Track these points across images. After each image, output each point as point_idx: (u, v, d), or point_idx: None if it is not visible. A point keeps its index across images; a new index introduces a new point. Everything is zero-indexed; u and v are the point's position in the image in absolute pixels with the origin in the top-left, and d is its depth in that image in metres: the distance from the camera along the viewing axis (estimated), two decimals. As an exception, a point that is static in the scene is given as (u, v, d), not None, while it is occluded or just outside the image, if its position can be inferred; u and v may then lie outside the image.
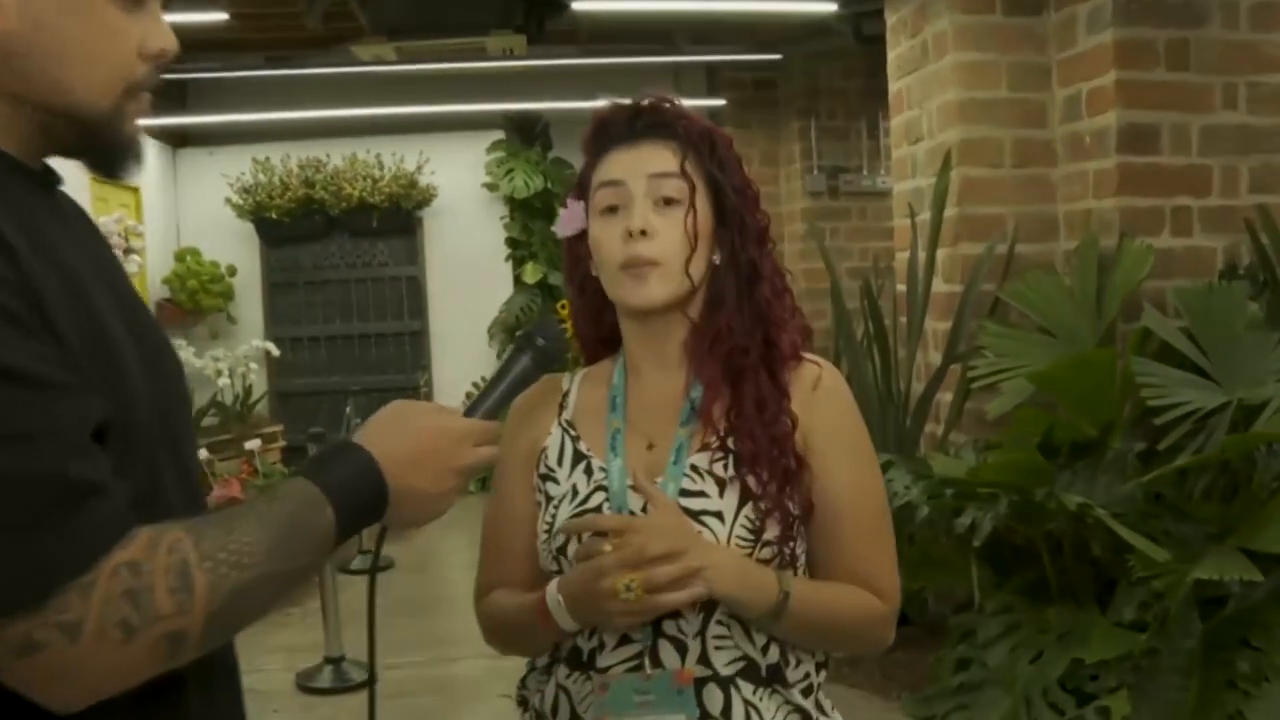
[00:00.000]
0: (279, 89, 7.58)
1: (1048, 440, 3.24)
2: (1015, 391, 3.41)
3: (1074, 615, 3.12)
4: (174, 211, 8.32)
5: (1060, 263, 3.77)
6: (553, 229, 1.48)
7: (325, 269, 8.48)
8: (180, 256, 7.99)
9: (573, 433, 1.40)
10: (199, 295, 7.82)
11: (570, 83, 7.15)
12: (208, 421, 7.78)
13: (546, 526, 1.35)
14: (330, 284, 8.51)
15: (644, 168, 1.33)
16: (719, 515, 1.28)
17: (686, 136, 1.35)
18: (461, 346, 8.36)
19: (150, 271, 7.72)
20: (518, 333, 1.28)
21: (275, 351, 7.95)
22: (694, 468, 1.31)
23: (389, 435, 1.05)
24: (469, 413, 1.16)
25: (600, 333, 1.45)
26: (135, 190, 7.54)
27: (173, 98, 8.10)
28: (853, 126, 7.27)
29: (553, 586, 1.28)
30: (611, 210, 1.34)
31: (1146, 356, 3.23)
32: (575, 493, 1.35)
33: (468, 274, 8.32)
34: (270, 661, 4.46)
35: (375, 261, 8.54)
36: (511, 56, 6.48)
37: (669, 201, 1.32)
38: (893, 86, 4.31)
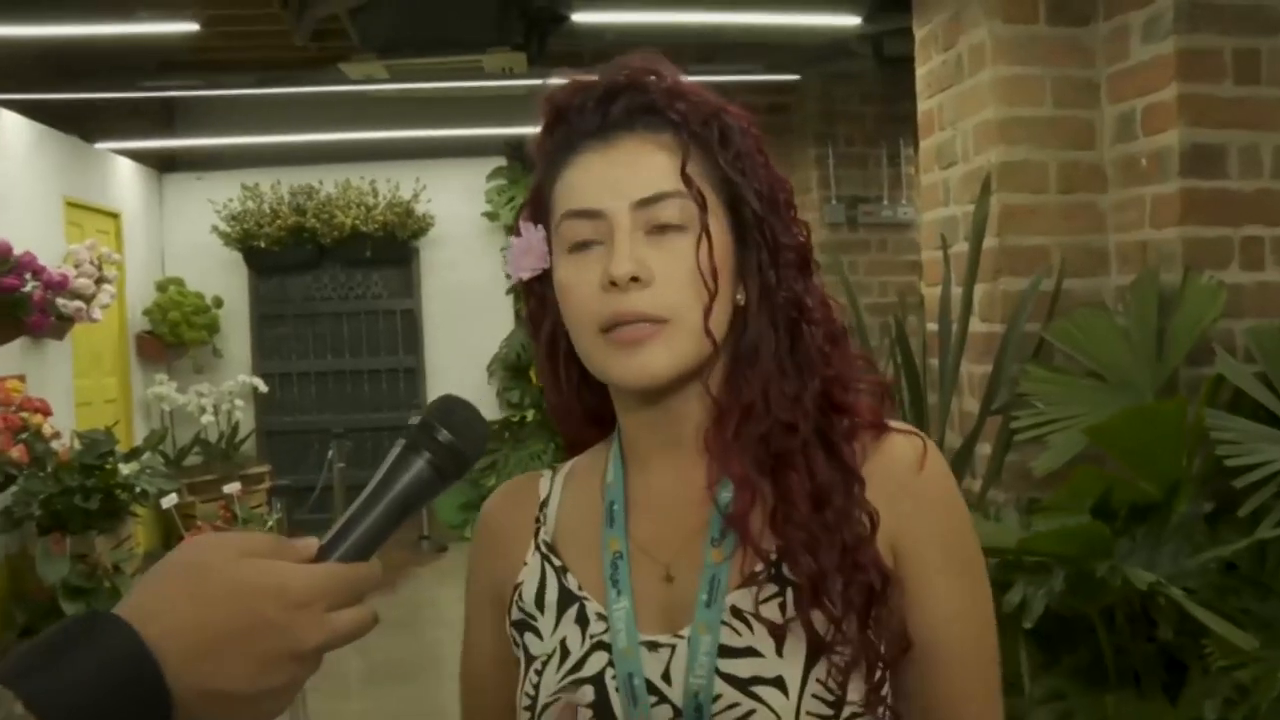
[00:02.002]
0: (269, 112, 7.27)
1: (1104, 502, 2.84)
2: (1065, 446, 3.02)
3: (1137, 705, 2.72)
4: (158, 239, 8.00)
5: (1112, 300, 3.39)
6: (504, 269, 1.06)
7: (316, 301, 8.16)
8: (162, 286, 7.66)
9: (556, 560, 0.99)
10: (181, 328, 7.49)
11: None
12: (191, 460, 7.46)
13: (528, 699, 0.94)
14: (321, 317, 8.18)
15: (628, 188, 0.92)
16: (779, 683, 0.87)
17: (686, 124, 0.93)
18: (459, 384, 7.97)
19: (131, 302, 7.40)
20: (411, 421, 0.82)
21: (263, 388, 7.65)
22: (736, 611, 0.90)
23: (176, 602, 0.66)
24: (327, 550, 0.73)
25: (584, 407, 1.02)
26: (115, 216, 7.21)
27: (160, 119, 7.79)
28: (872, 154, 6.92)
29: None
30: (583, 246, 0.93)
31: (1215, 407, 2.85)
32: (565, 652, 0.95)
33: (466, 307, 7.97)
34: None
35: (369, 293, 8.23)
36: (511, 76, 6.17)
37: (666, 227, 0.92)
38: (922, 106, 3.93)
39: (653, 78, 0.95)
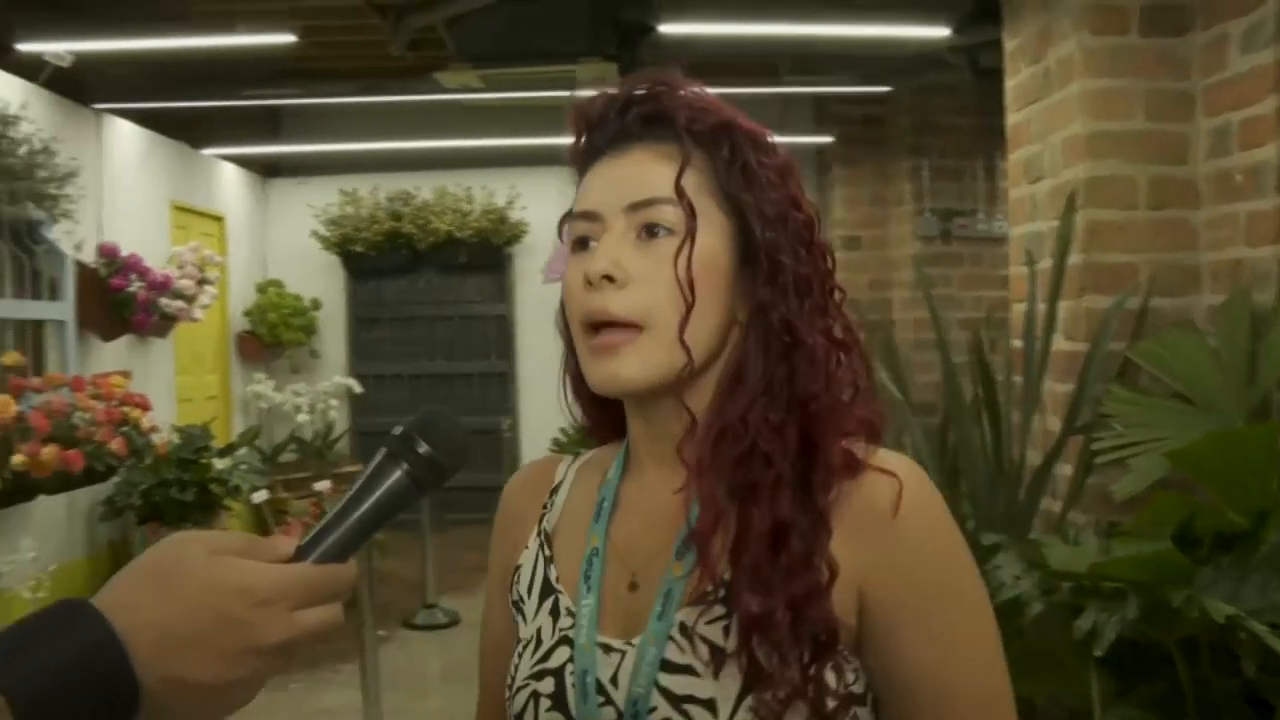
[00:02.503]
0: (368, 119, 7.42)
1: (1187, 530, 2.74)
2: (1147, 469, 2.92)
3: (1216, 741, 2.62)
4: (261, 242, 8.20)
5: (1202, 320, 3.28)
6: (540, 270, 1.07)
7: (411, 304, 8.28)
8: (263, 288, 7.85)
9: (547, 550, 1.01)
10: (279, 328, 7.67)
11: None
12: (286, 457, 7.63)
13: (509, 678, 0.97)
14: (416, 320, 8.30)
15: (624, 191, 0.94)
16: (710, 705, 0.86)
17: (690, 134, 0.93)
18: (550, 391, 7.87)
19: (232, 303, 7.60)
20: (393, 430, 0.82)
21: (358, 388, 7.77)
22: (683, 627, 0.89)
23: (147, 596, 0.69)
24: (304, 552, 0.76)
25: (606, 405, 1.03)
26: (220, 219, 7.42)
27: (266, 126, 8.01)
28: (967, 166, 6.81)
29: None
30: (582, 246, 0.96)
31: (1310, 434, 2.72)
32: (539, 641, 0.97)
33: (558, 314, 8.03)
34: (309, 726, 4.14)
35: (463, 298, 8.32)
36: (603, 86, 6.21)
37: (656, 232, 0.93)
38: (1011, 119, 3.86)
39: (665, 89, 0.96)
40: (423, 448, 0.80)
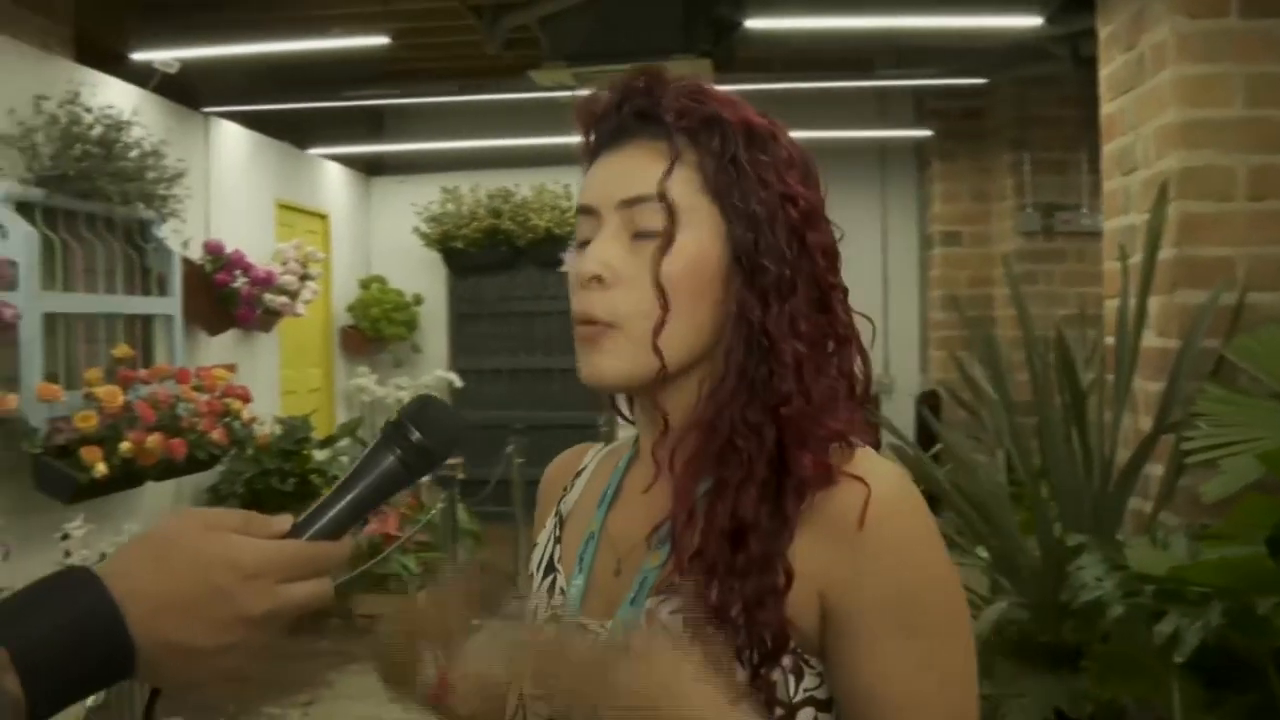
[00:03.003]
0: (468, 118, 7.54)
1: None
2: (1240, 471, 2.81)
3: (1309, 757, 2.51)
4: (364, 239, 8.39)
5: (1303, 316, 3.13)
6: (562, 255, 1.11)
7: (510, 300, 8.37)
8: (365, 284, 8.03)
9: (558, 531, 1.05)
10: (381, 323, 7.83)
11: (766, 112, 6.77)
12: (387, 450, 7.77)
13: None
14: (515, 316, 8.39)
15: (616, 188, 0.94)
16: None
17: (681, 130, 0.92)
18: (645, 386, 8.06)
19: (336, 298, 7.79)
20: (390, 419, 0.88)
21: (459, 383, 7.89)
22: (649, 614, 0.90)
23: (143, 566, 0.76)
24: (298, 530, 0.81)
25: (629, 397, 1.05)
26: (324, 217, 7.62)
27: (370, 126, 8.19)
28: (1070, 160, 6.61)
29: None
30: (585, 245, 0.96)
31: None
32: (534, 617, 1.00)
33: (657, 311, 8.05)
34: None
35: (561, 294, 8.22)
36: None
37: (646, 231, 0.92)
38: (1105, 109, 3.75)
39: (660, 84, 0.95)
40: (415, 435, 0.85)
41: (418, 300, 8.23)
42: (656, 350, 0.91)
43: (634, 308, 0.91)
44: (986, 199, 7.27)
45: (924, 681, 0.86)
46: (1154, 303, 3.29)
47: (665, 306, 0.90)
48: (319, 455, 5.66)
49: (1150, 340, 3.32)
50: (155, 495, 5.04)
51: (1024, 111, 6.73)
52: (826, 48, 6.41)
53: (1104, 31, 3.69)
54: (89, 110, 4.54)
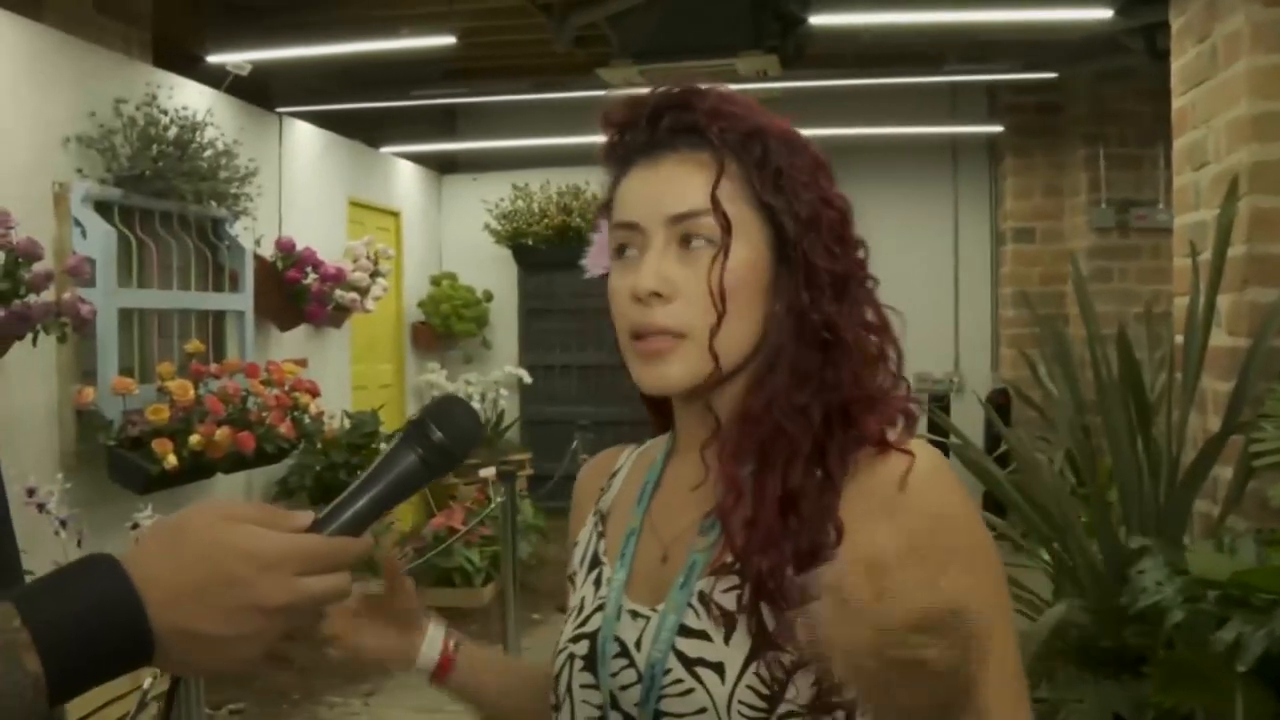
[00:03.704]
0: (538, 115, 7.59)
1: (1352, 540, 2.56)
2: (1310, 474, 2.73)
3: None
4: (436, 236, 8.49)
5: (1380, 316, 3.03)
6: (581, 263, 1.14)
7: (580, 297, 8.39)
8: (436, 280, 8.12)
9: (600, 527, 1.09)
10: (452, 319, 7.92)
11: (836, 108, 6.75)
12: (456, 445, 7.86)
13: (557, 643, 1.05)
14: (585, 312, 8.40)
15: (664, 203, 0.98)
16: (719, 669, 0.92)
17: (724, 143, 0.96)
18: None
19: (408, 294, 7.89)
20: (410, 417, 0.93)
21: (527, 378, 7.94)
22: (702, 596, 0.95)
23: (163, 553, 0.77)
24: (320, 525, 0.82)
25: (656, 400, 1.09)
26: (395, 214, 7.72)
27: (442, 125, 8.28)
28: (1146, 154, 6.47)
29: None
30: (623, 254, 1.01)
31: None
32: (581, 608, 1.05)
33: (721, 307, 8.03)
34: None
35: (636, 292, 8.37)
36: (765, 79, 6.17)
37: (696, 242, 0.97)
38: (1176, 102, 3.66)
39: (695, 94, 0.98)
40: (435, 435, 0.88)
41: (488, 296, 8.30)
42: (714, 354, 0.96)
43: (698, 317, 0.96)
44: (1059, 195, 7.14)
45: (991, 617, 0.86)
46: (1224, 300, 3.20)
47: (721, 313, 0.95)
48: (386, 449, 5.74)
49: (1220, 339, 3.24)
50: (226, 487, 5.15)
51: (1099, 106, 6.59)
52: (897, 42, 6.34)
53: (1176, 23, 3.61)
54: (165, 112, 4.66)
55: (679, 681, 0.93)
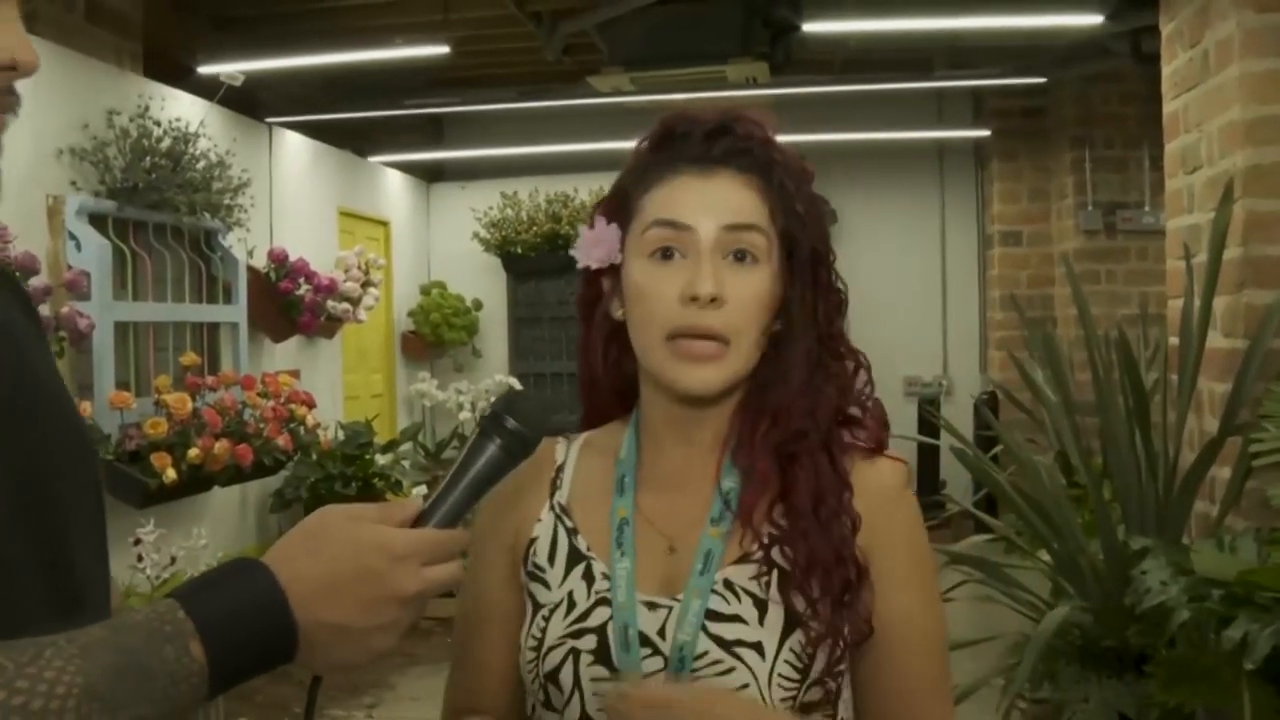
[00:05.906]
0: (527, 124, 7.60)
1: (1353, 538, 2.59)
2: (1308, 474, 2.77)
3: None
4: (425, 245, 8.48)
5: (1374, 316, 3.07)
6: (571, 252, 1.18)
7: (570, 304, 8.26)
8: (426, 289, 8.11)
9: (568, 522, 1.12)
10: (442, 328, 7.91)
11: (824, 114, 6.79)
12: (449, 454, 7.85)
13: (534, 641, 1.07)
14: (574, 320, 8.33)
15: (720, 212, 1.06)
16: (758, 648, 1.02)
17: (774, 173, 1.08)
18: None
19: (397, 304, 7.88)
20: (482, 414, 0.94)
21: (518, 386, 7.92)
22: (728, 583, 1.04)
23: (302, 553, 0.84)
24: (423, 519, 0.90)
25: (613, 383, 1.15)
26: (385, 224, 7.71)
27: (430, 134, 8.28)
28: (1132, 157, 6.53)
29: None
30: (665, 255, 1.05)
31: None
32: (571, 603, 1.08)
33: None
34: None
35: (623, 300, 8.38)
36: (754, 86, 6.20)
37: (741, 256, 1.06)
38: (1167, 107, 3.70)
39: (754, 124, 1.09)
40: (511, 424, 0.95)
41: (478, 305, 8.29)
42: (744, 360, 1.07)
43: (743, 324, 1.05)
44: (1046, 198, 7.20)
45: (922, 626, 1.07)
46: (1220, 303, 3.24)
47: (765, 326, 1.07)
48: (381, 460, 5.74)
49: (1216, 341, 3.28)
50: (223, 500, 5.14)
51: (1084, 109, 6.65)
52: (884, 49, 6.38)
53: (1166, 28, 3.65)
54: (158, 124, 4.65)
55: (718, 663, 1.01)
